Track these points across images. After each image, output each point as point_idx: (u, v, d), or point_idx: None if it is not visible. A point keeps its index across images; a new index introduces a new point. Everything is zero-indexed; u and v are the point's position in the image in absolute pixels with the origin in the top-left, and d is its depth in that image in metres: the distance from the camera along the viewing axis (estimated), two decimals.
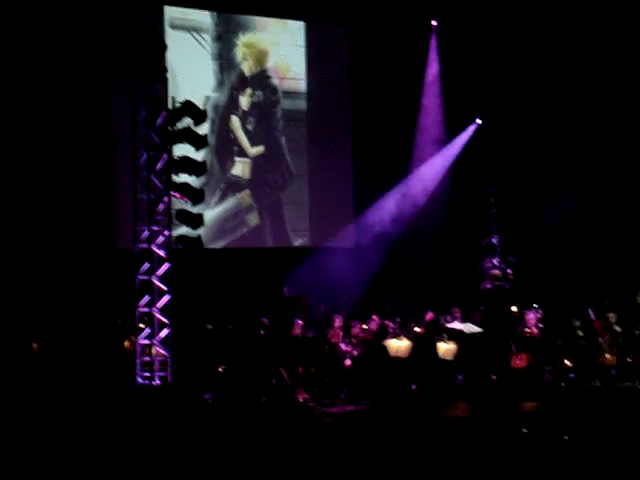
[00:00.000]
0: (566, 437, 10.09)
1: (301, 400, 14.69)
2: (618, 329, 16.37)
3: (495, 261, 20.27)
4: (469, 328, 16.37)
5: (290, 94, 19.84)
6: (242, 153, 19.24)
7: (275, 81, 19.68)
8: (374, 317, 16.69)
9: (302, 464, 9.76)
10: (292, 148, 19.77)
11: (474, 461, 9.41)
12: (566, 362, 16.15)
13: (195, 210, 14.75)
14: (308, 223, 19.85)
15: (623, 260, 18.58)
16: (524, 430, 10.68)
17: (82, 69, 16.86)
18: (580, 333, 16.34)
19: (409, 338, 15.92)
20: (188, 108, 14.35)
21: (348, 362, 15.75)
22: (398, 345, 15.60)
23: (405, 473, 9.03)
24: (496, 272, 14.85)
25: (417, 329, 16.44)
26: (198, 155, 15.00)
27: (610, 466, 8.82)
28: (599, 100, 18.94)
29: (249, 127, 19.31)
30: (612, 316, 16.41)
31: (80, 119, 16.88)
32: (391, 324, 16.40)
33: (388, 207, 19.93)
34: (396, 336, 15.89)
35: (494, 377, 15.53)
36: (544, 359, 16.40)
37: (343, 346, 15.92)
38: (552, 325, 17.06)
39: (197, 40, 18.69)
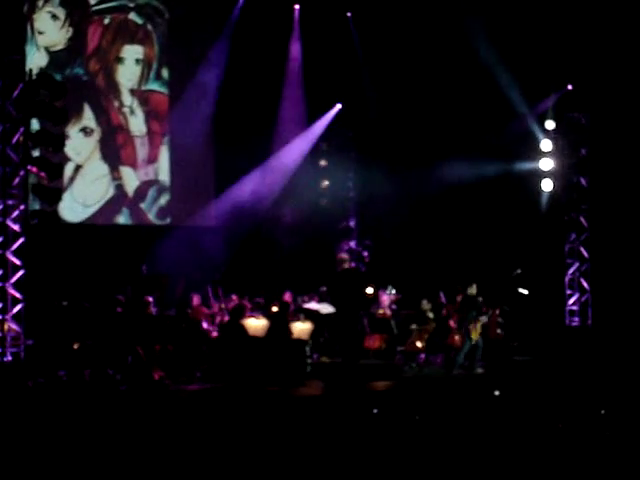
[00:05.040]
0: (417, 417, 10.34)
1: (157, 378, 14.66)
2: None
3: (352, 244, 20.73)
4: (325, 308, 16.62)
5: None
6: None
7: None
8: (233, 297, 16.76)
9: (154, 441, 9.76)
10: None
11: (325, 440, 9.56)
12: (417, 344, 16.61)
13: (52, 185, 14.54)
14: (170, 202, 19.71)
15: (476, 244, 19.17)
16: (374, 410, 10.89)
17: None
18: (430, 315, 16.84)
19: (266, 317, 16.05)
20: (45, 81, 14.08)
21: (214, 334, 15.80)
22: (256, 324, 15.72)
23: (256, 451, 9.13)
24: (343, 256, 15.19)
25: (274, 309, 16.61)
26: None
27: (460, 446, 9.08)
28: (457, 88, 19.33)
29: None
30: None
31: None
32: (249, 304, 16.51)
33: (249, 187, 19.99)
34: (254, 316, 16.00)
35: (347, 357, 15.79)
36: (396, 340, 16.83)
37: (205, 325, 15.96)
38: (404, 307, 17.53)
39: None
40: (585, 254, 19.31)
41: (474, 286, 15.95)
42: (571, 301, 19.37)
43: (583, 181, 19.32)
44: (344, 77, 19.75)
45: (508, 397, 12.36)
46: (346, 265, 14.70)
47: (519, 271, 17.26)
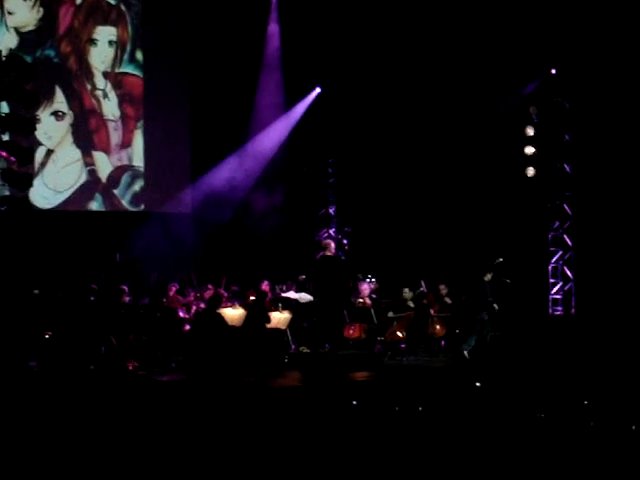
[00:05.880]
0: (397, 408, 10.19)
1: (131, 368, 14.42)
2: (448, 301, 16.76)
3: (331, 231, 20.52)
4: (304, 297, 16.43)
5: None
6: None
7: None
8: (209, 286, 16.51)
9: (128, 433, 9.54)
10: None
11: (304, 431, 9.41)
12: (397, 333, 16.40)
13: (23, 170, 14.25)
14: (144, 188, 19.35)
15: (458, 232, 18.97)
16: (354, 402, 10.75)
17: None
18: (411, 304, 16.63)
19: (244, 307, 15.83)
20: (15, 62, 13.75)
21: (188, 327, 15.56)
22: (233, 314, 15.49)
23: (233, 444, 8.94)
24: (328, 241, 14.97)
25: (252, 298, 16.38)
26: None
27: (440, 437, 8.96)
28: (438, 72, 19.07)
29: None
30: (443, 288, 16.78)
31: None
32: (225, 293, 16.26)
33: (226, 173, 19.71)
34: (231, 305, 15.77)
35: (326, 346, 15.62)
36: (376, 329, 16.60)
37: (181, 313, 15.70)
38: (384, 295, 17.31)
39: None
40: (569, 242, 19.15)
41: (489, 274, 15.68)
42: (554, 290, 19.23)
43: (567, 167, 19.10)
44: (324, 60, 19.45)
45: (490, 388, 12.23)
46: (328, 252, 14.47)
47: (500, 260, 17.03)
